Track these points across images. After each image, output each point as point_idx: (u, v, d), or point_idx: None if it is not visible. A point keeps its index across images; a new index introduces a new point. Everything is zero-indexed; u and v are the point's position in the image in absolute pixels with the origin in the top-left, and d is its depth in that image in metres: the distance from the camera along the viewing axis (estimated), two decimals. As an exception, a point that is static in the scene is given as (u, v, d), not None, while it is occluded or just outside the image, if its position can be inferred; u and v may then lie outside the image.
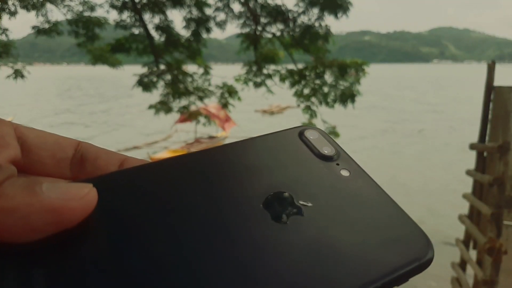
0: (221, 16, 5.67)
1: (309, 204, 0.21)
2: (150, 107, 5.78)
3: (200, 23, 5.58)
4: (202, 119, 6.58)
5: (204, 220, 0.19)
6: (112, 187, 0.20)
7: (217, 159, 0.23)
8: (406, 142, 15.17)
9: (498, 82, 4.67)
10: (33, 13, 5.53)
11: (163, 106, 5.73)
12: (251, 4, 5.43)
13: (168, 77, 5.65)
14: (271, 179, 0.22)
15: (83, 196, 0.17)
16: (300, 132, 0.26)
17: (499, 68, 4.80)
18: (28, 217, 0.16)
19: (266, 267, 0.18)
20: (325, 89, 5.54)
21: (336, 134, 5.46)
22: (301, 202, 0.21)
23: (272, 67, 5.78)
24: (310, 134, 0.26)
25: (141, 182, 0.21)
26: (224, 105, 5.88)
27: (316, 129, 0.26)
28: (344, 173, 0.23)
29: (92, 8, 5.57)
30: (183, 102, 5.78)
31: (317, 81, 5.55)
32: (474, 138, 4.95)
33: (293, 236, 0.19)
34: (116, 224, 0.19)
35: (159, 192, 0.20)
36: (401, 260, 0.19)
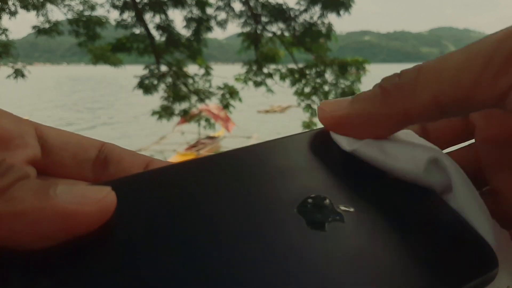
0: (222, 15, 5.68)
1: (351, 209, 0.19)
2: (153, 113, 5.71)
3: (201, 23, 5.58)
4: (204, 121, 6.55)
5: (232, 228, 0.17)
6: (134, 190, 0.18)
7: (247, 160, 0.21)
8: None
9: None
10: (33, 13, 5.54)
11: (165, 112, 5.64)
12: (252, 3, 5.43)
13: (169, 79, 5.62)
14: (306, 182, 0.20)
15: (100, 200, 0.16)
16: None
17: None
18: (38, 222, 0.14)
19: (301, 280, 0.16)
20: (326, 88, 5.54)
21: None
22: (342, 207, 0.19)
23: (272, 66, 5.77)
24: None
25: (166, 185, 0.19)
26: (225, 106, 5.86)
27: None
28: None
29: (92, 7, 5.59)
30: (184, 105, 5.74)
31: (318, 80, 5.56)
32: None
33: (332, 245, 0.17)
34: (137, 231, 0.17)
35: (184, 196, 0.18)
36: (462, 276, 0.17)
